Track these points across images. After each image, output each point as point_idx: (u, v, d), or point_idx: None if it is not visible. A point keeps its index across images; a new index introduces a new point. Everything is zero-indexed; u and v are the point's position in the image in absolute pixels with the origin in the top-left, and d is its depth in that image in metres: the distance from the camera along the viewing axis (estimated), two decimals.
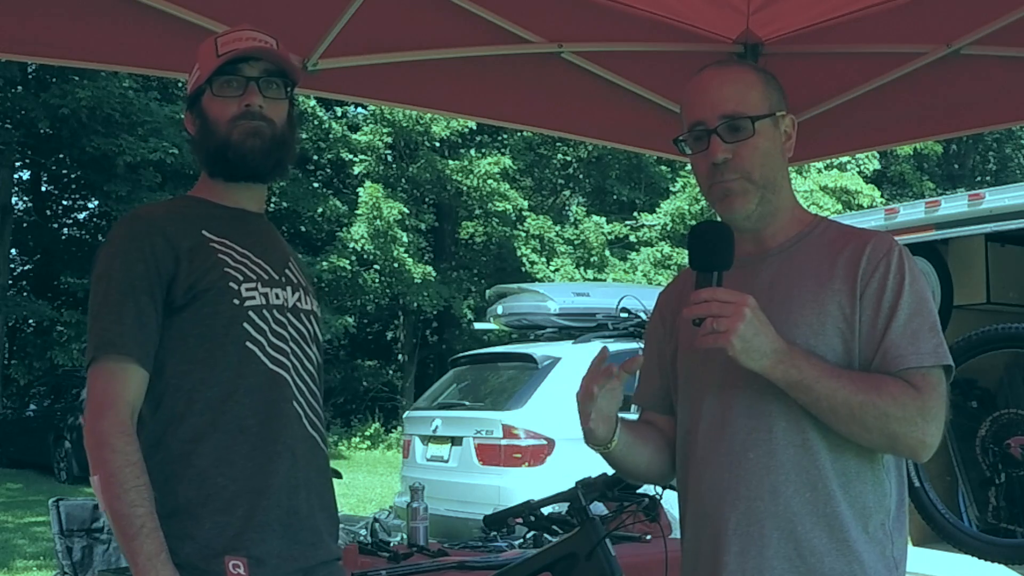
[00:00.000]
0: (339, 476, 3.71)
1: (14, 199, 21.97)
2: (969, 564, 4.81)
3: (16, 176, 22.40)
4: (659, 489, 2.73)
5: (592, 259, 22.22)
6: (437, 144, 22.25)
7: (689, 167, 2.07)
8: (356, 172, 22.11)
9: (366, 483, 15.30)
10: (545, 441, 7.33)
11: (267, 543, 1.95)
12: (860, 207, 20.51)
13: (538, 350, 8.15)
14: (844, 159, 21.35)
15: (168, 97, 20.39)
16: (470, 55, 3.50)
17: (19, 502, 13.51)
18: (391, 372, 25.56)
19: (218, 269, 1.99)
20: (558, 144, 23.86)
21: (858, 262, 1.81)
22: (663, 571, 2.91)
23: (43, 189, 24.49)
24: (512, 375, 8.11)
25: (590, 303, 8.72)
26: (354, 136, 22.02)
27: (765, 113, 1.86)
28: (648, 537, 3.66)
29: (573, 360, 7.58)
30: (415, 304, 21.99)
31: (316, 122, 21.53)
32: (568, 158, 25.10)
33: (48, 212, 24.38)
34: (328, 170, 24.03)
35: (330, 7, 3.17)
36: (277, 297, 2.06)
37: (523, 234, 22.54)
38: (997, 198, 5.00)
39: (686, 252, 1.85)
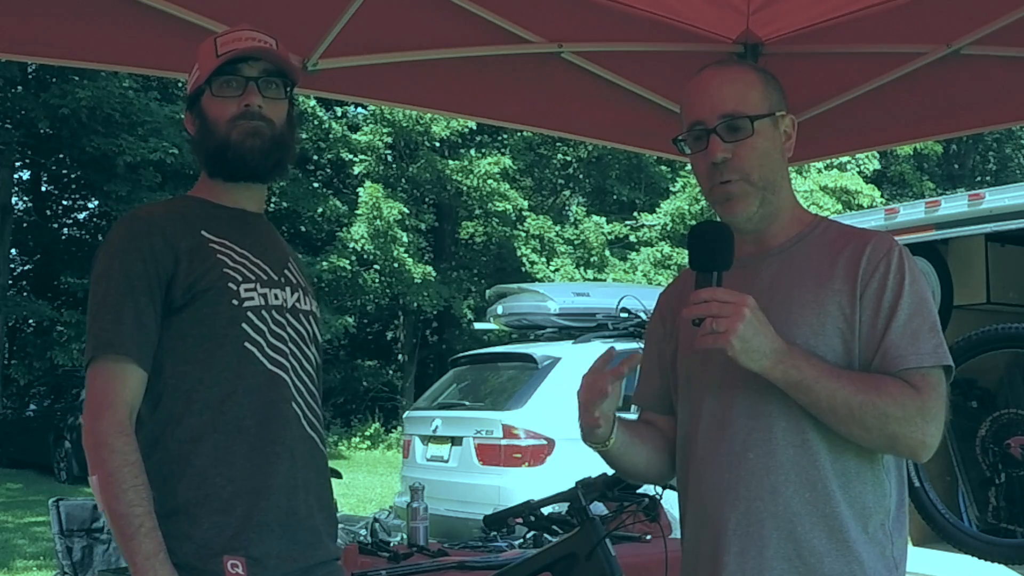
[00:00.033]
0: (339, 476, 3.71)
1: (14, 199, 21.98)
2: (969, 564, 4.81)
3: (16, 176, 22.41)
4: (659, 489, 2.73)
5: (592, 259, 22.22)
6: (437, 144, 22.25)
7: (689, 167, 2.07)
8: (356, 172, 22.11)
9: (366, 483, 15.30)
10: (545, 441, 7.33)
11: (265, 543, 1.95)
12: (860, 207, 20.51)
13: (538, 350, 8.15)
14: (844, 159, 21.34)
15: (168, 97, 20.39)
16: (470, 55, 3.50)
17: (19, 502, 13.51)
18: (391, 372, 25.56)
19: (217, 269, 1.99)
20: (558, 144, 23.86)
21: (858, 262, 1.81)
22: (663, 571, 2.91)
23: (43, 189, 24.49)
24: (512, 375, 8.12)
25: (590, 303, 8.72)
26: (354, 136, 22.02)
27: (764, 113, 1.86)
28: (648, 537, 3.66)
29: (573, 360, 7.58)
30: (415, 304, 21.99)
31: (316, 122, 21.53)
32: (568, 158, 25.10)
33: (48, 212, 24.38)
34: (328, 170, 24.04)
35: (330, 7, 3.17)
36: (276, 298, 2.06)
37: (523, 234, 22.54)
38: (997, 198, 5.00)
39: (686, 252, 1.85)
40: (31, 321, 22.02)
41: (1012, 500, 4.97)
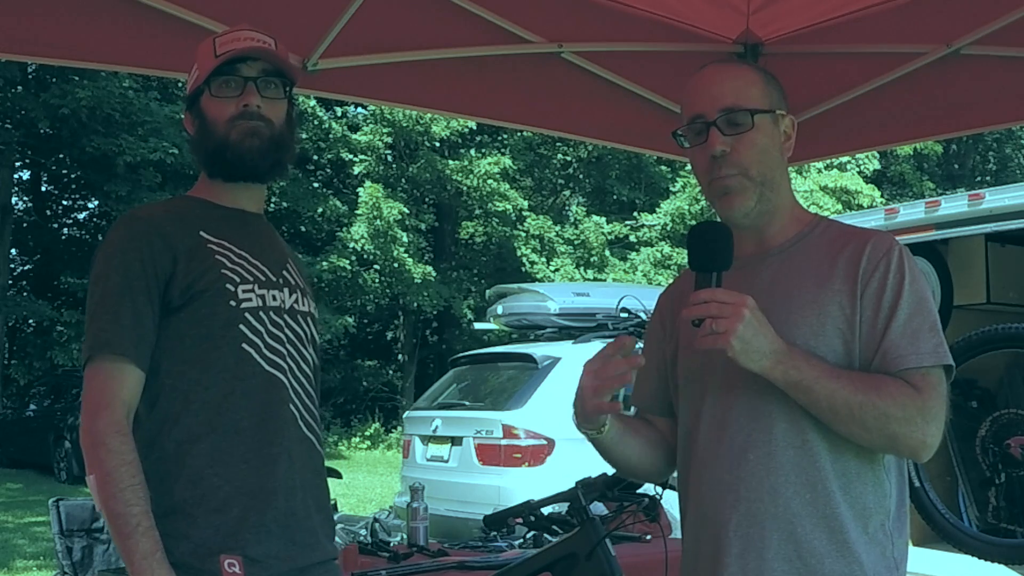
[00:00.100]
0: (339, 476, 3.72)
1: (14, 199, 21.98)
2: (969, 564, 4.80)
3: (16, 176, 22.41)
4: (659, 489, 2.73)
5: (592, 259, 22.22)
6: (437, 144, 22.25)
7: (689, 167, 2.07)
8: (356, 172, 22.12)
9: (366, 483, 15.30)
10: (545, 441, 7.33)
11: (263, 544, 1.95)
12: (860, 207, 20.51)
13: (538, 350, 8.15)
14: (844, 159, 21.35)
15: (168, 97, 20.39)
16: (470, 55, 3.50)
17: (19, 502, 13.51)
18: (391, 372, 25.56)
19: (215, 270, 1.99)
20: (558, 144, 23.86)
21: (858, 262, 1.81)
22: (663, 571, 2.91)
23: (43, 189, 24.50)
24: (512, 375, 8.11)
25: (590, 303, 8.72)
26: (354, 136, 22.02)
27: (765, 108, 1.86)
28: (648, 537, 3.66)
29: (573, 360, 7.57)
30: (415, 304, 22.00)
31: (316, 122, 21.54)
32: (568, 158, 25.10)
33: (48, 212, 24.38)
34: (328, 170, 24.04)
35: (330, 7, 3.17)
36: (274, 299, 2.06)
37: (523, 234, 22.54)
38: (997, 198, 5.00)
39: (686, 252, 1.85)
40: (31, 321, 22.02)
41: (1012, 500, 4.97)
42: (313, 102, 20.46)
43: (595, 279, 21.17)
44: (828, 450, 1.79)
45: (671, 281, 2.19)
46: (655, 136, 3.79)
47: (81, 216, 24.81)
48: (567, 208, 25.77)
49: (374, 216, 20.76)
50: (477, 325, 13.04)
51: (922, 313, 1.79)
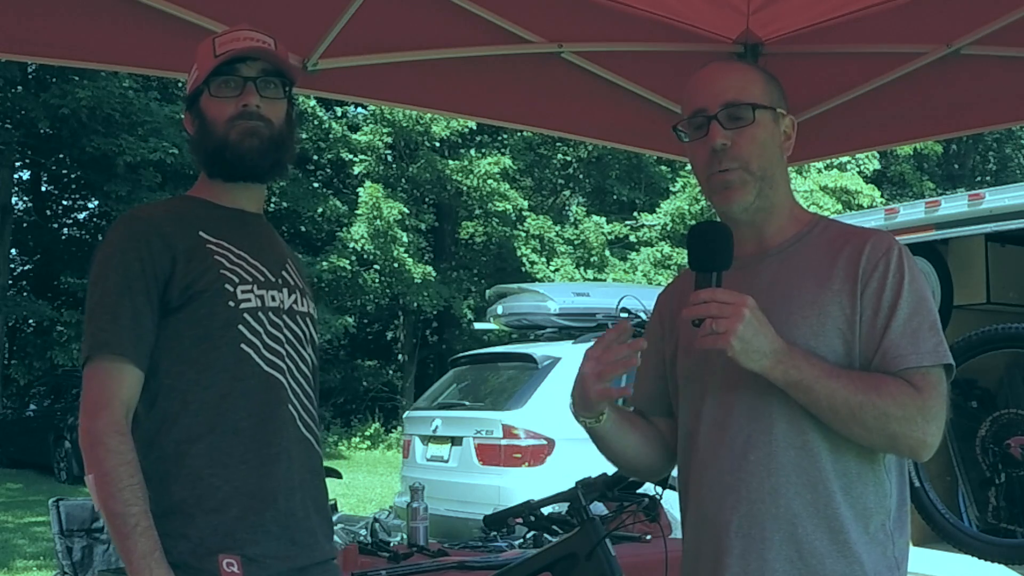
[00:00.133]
0: (339, 476, 3.72)
1: (14, 199, 21.99)
2: (969, 564, 4.80)
3: (16, 176, 22.42)
4: (659, 489, 2.73)
5: (592, 259, 22.22)
6: (437, 144, 22.26)
7: (689, 167, 2.07)
8: (356, 172, 22.12)
9: (366, 483, 15.30)
10: (545, 441, 7.33)
11: (262, 544, 1.95)
12: (860, 207, 20.51)
13: (538, 350, 8.15)
14: (844, 159, 21.35)
15: (168, 97, 20.40)
16: (470, 55, 3.50)
17: (19, 502, 13.51)
18: (391, 372, 25.56)
19: (214, 271, 1.99)
20: (558, 144, 23.86)
21: (858, 261, 1.81)
22: (663, 571, 2.91)
23: (43, 189, 24.50)
24: (512, 375, 8.11)
25: (590, 303, 8.71)
26: (354, 136, 22.03)
27: (766, 104, 1.87)
28: (648, 537, 3.66)
29: (573, 360, 7.56)
30: (415, 304, 22.00)
31: (316, 122, 21.54)
32: (568, 158, 25.10)
33: (48, 212, 24.39)
34: (328, 170, 24.04)
35: (330, 7, 3.17)
36: (273, 299, 2.05)
37: (523, 234, 22.54)
38: (997, 198, 5.00)
39: (686, 252, 1.84)
40: (31, 321, 22.03)
41: (1012, 500, 4.97)
42: (313, 102, 20.46)
43: (595, 279, 21.18)
44: (829, 450, 1.79)
45: (670, 281, 2.18)
46: (655, 136, 3.80)
47: (81, 216, 24.84)
48: (567, 208, 25.78)
49: (374, 216, 20.77)
50: (477, 325, 13.04)
51: (922, 312, 1.79)
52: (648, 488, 2.93)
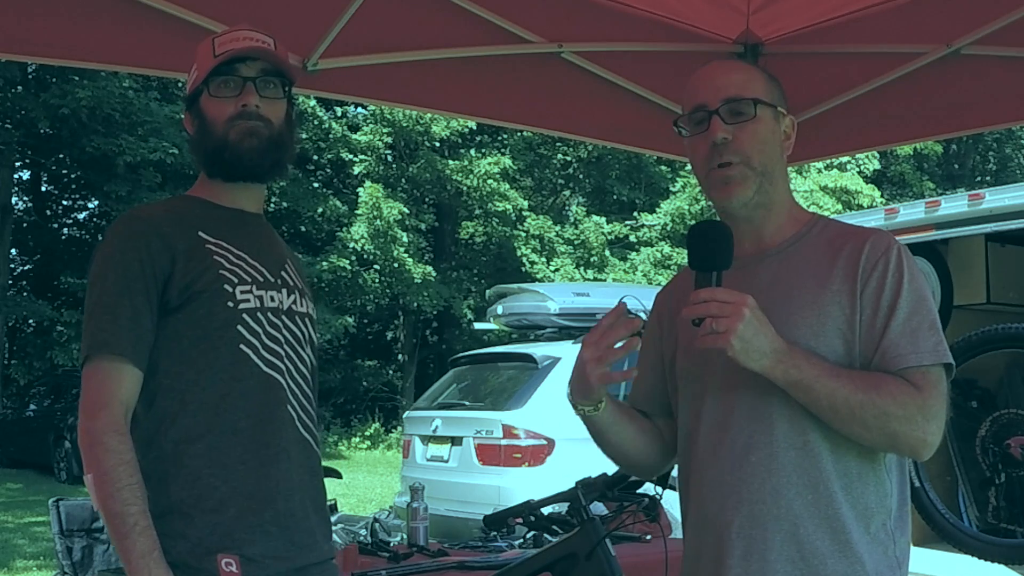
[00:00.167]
0: (339, 476, 3.72)
1: (14, 199, 21.99)
2: (969, 564, 4.80)
3: (16, 176, 22.41)
4: (659, 489, 2.73)
5: (592, 259, 22.22)
6: (437, 144, 22.26)
7: (689, 167, 2.07)
8: (356, 172, 22.12)
9: (366, 483, 15.30)
10: (545, 441, 7.33)
11: (260, 544, 1.95)
12: (860, 207, 20.51)
13: (538, 350, 8.15)
14: (844, 159, 21.35)
15: (168, 97, 20.39)
16: (470, 55, 3.50)
17: (19, 502, 13.51)
18: (391, 372, 25.56)
19: (213, 271, 1.99)
20: (558, 144, 23.86)
21: (857, 261, 1.81)
22: (663, 571, 2.90)
23: (43, 189, 24.50)
24: (512, 375, 8.11)
25: (590, 303, 8.71)
26: (354, 136, 22.03)
27: (768, 101, 1.87)
28: (648, 537, 3.66)
29: (573, 360, 7.53)
30: (415, 304, 22.00)
31: (316, 122, 21.54)
32: (568, 158, 25.10)
33: (48, 212, 24.39)
34: (328, 170, 24.04)
35: (330, 7, 3.17)
36: (272, 300, 2.05)
37: (523, 234, 22.54)
38: (997, 198, 5.00)
39: (686, 252, 1.84)
40: (31, 321, 22.03)
41: (1012, 500, 4.97)
42: (313, 102, 20.46)
43: (595, 279, 21.18)
44: (830, 450, 1.79)
45: (669, 280, 2.18)
46: (655, 136, 3.80)
47: (81, 216, 24.83)
48: (567, 208, 25.77)
49: (374, 216, 20.77)
50: (477, 325, 13.04)
51: (921, 311, 1.79)
52: (648, 488, 2.93)
